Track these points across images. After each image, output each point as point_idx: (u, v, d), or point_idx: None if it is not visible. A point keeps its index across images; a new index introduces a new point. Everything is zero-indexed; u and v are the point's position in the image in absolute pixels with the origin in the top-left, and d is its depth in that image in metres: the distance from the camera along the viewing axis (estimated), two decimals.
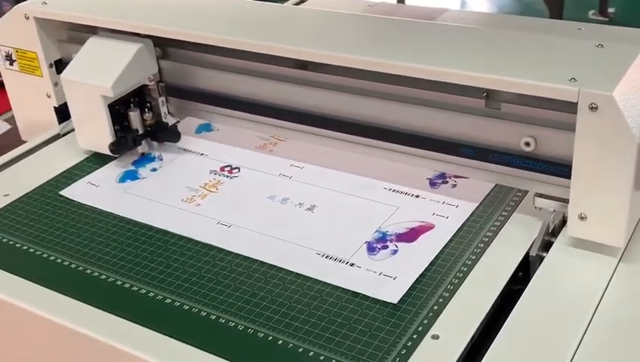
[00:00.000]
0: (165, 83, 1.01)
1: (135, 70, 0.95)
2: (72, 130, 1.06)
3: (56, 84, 1.06)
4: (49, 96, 1.06)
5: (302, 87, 0.93)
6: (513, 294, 0.71)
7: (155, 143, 0.99)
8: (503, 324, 0.66)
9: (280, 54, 0.87)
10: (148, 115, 0.97)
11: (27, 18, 1.02)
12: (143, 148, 0.98)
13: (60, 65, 1.05)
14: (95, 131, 0.96)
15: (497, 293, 0.70)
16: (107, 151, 0.95)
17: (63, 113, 1.07)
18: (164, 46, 1.02)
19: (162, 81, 1.00)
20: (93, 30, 1.03)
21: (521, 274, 0.74)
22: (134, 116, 0.96)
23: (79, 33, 1.05)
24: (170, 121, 0.99)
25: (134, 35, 0.97)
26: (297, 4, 1.32)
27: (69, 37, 1.06)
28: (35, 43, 1.03)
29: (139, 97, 0.97)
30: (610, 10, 3.17)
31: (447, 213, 0.82)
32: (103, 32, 1.00)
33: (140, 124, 0.97)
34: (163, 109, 0.98)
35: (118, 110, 0.95)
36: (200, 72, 1.02)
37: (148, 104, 0.97)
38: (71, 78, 0.96)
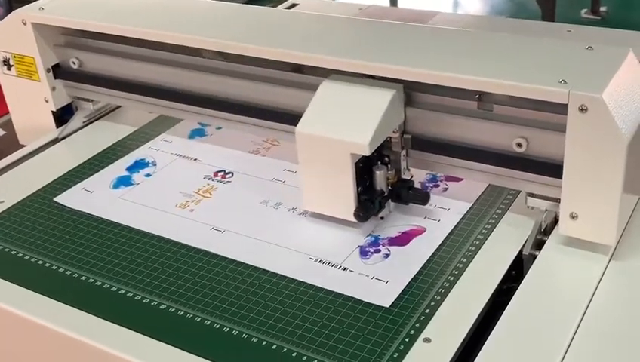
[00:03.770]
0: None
1: (388, 121, 0.79)
2: (70, 133, 1.07)
3: (53, 89, 1.06)
4: (47, 101, 1.06)
5: (295, 90, 0.92)
6: (505, 293, 0.72)
7: (392, 204, 0.83)
8: (494, 327, 0.67)
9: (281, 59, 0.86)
10: (390, 173, 0.81)
11: (24, 23, 1.02)
12: (384, 212, 0.82)
13: (57, 70, 1.06)
14: (333, 192, 0.80)
15: (489, 295, 0.71)
16: (349, 218, 0.80)
17: (60, 117, 1.08)
18: (410, 90, 0.83)
19: (407, 132, 0.83)
20: (90, 35, 1.03)
21: (514, 272, 0.75)
22: (380, 175, 0.80)
23: (75, 38, 1.05)
24: (408, 176, 0.84)
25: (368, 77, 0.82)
26: (288, 8, 1.33)
27: (66, 42, 1.06)
28: (33, 48, 1.03)
29: (377, 151, 0.80)
30: (603, 8, 3.18)
31: (439, 217, 0.83)
32: (335, 75, 0.83)
33: (385, 184, 0.81)
34: (403, 164, 0.83)
35: (361, 168, 0.79)
36: None
37: (386, 158, 0.82)
38: (311, 132, 0.79)
